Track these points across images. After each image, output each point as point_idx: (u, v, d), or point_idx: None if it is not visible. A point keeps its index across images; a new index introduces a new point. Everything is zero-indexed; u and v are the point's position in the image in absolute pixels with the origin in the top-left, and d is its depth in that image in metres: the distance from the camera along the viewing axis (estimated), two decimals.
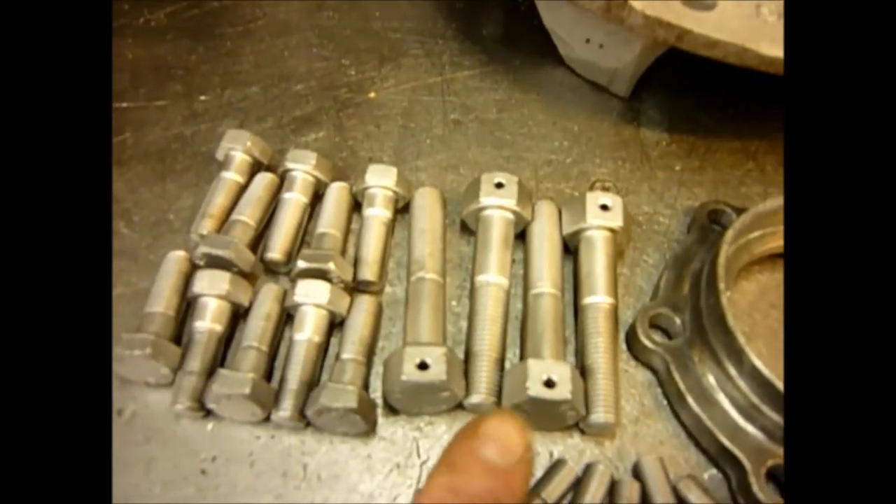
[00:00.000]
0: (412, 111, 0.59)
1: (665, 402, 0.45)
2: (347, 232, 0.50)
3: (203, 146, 0.56)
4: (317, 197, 0.52)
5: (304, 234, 0.51)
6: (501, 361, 0.44)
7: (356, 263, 0.48)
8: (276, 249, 0.48)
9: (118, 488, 0.40)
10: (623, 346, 0.47)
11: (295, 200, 0.50)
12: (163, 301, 0.44)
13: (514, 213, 0.48)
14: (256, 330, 0.44)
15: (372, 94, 0.60)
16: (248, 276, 0.47)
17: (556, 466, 0.41)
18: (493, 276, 0.46)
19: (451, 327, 0.47)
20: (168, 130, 0.57)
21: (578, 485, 0.41)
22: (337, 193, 0.51)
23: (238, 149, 0.51)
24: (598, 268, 0.46)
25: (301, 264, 0.46)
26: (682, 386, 0.43)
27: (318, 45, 0.63)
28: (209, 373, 0.42)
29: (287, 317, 0.46)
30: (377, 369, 0.45)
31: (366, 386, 0.44)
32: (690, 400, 0.42)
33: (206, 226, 0.48)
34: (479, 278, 0.46)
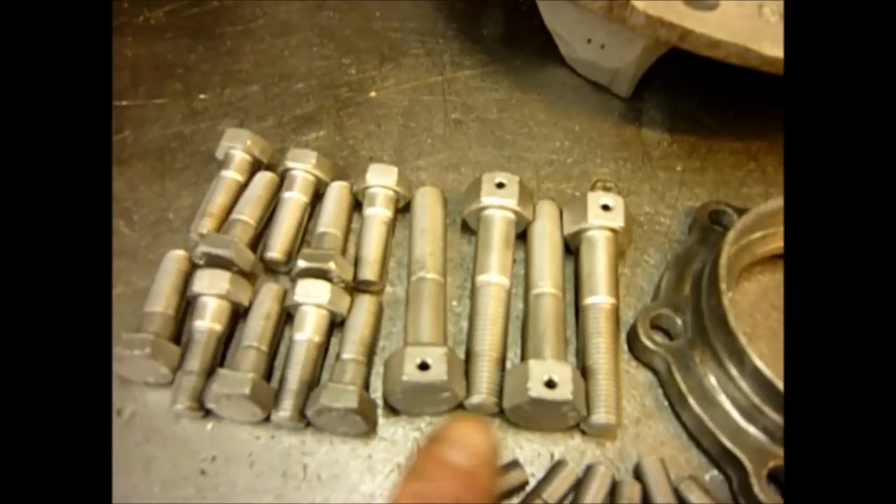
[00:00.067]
0: (413, 111, 0.59)
1: (666, 403, 0.45)
2: (348, 231, 0.50)
3: (203, 145, 0.55)
4: (317, 196, 0.52)
5: (304, 234, 0.50)
6: (502, 362, 0.44)
7: (357, 263, 0.48)
8: (277, 249, 0.48)
9: (118, 488, 0.40)
10: (624, 347, 0.47)
11: (295, 200, 0.50)
12: (162, 300, 0.44)
13: (516, 212, 0.48)
14: (256, 329, 0.44)
15: (373, 94, 0.60)
16: (248, 276, 0.47)
17: (557, 467, 0.41)
18: (494, 276, 0.46)
19: (451, 327, 0.47)
20: (168, 129, 0.56)
21: (579, 486, 0.41)
22: (337, 193, 0.51)
23: (238, 148, 0.51)
24: (600, 268, 0.46)
25: (301, 264, 0.46)
26: (683, 387, 0.43)
27: (319, 44, 0.63)
28: (209, 372, 0.42)
29: (287, 316, 0.46)
30: (378, 369, 0.44)
31: (366, 386, 0.43)
32: (692, 401, 0.42)
33: (206, 225, 0.48)
34: (480, 278, 0.46)
